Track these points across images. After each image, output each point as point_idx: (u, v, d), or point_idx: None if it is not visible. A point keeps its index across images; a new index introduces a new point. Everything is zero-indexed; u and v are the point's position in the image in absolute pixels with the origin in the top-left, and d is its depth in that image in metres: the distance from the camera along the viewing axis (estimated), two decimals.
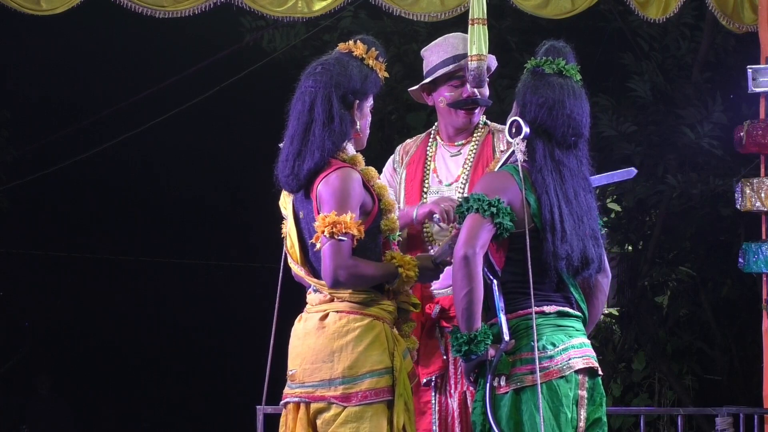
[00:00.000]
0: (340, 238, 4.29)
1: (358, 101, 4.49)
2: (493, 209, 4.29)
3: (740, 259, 7.48)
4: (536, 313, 4.32)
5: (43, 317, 14.66)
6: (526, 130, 4.37)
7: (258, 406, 6.14)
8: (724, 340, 10.73)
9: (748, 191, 7.42)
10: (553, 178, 4.35)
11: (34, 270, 14.37)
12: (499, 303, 4.33)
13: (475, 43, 4.94)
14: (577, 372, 4.32)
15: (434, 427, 4.92)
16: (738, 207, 7.50)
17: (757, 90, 7.40)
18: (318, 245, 4.35)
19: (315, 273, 4.46)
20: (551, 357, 4.29)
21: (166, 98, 11.80)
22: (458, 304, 4.31)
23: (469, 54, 4.97)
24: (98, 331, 14.67)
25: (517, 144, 4.37)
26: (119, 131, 12.14)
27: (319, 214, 4.37)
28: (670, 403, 10.74)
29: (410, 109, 10.03)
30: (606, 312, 11.72)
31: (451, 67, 5.03)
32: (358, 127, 4.51)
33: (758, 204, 7.41)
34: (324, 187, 4.38)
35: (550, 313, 4.35)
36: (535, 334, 4.29)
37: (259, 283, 10.72)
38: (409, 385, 4.46)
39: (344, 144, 4.46)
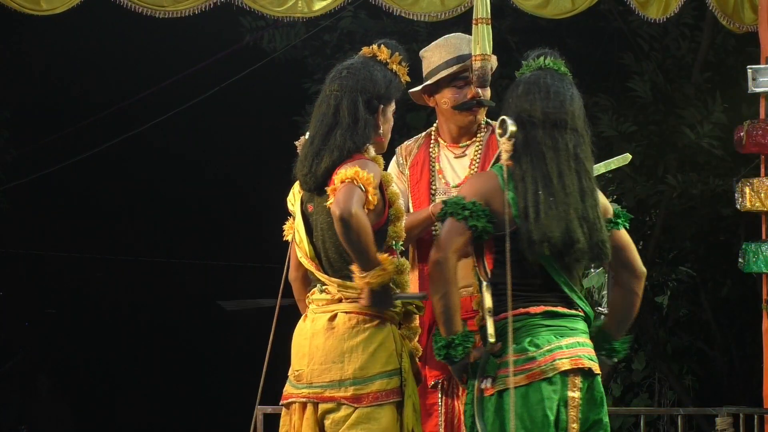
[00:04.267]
0: (359, 185, 4.29)
1: (382, 106, 4.52)
2: (467, 212, 4.26)
3: (740, 259, 7.47)
4: (521, 313, 4.28)
5: (43, 317, 14.67)
6: (512, 128, 4.34)
7: (257, 406, 6.14)
8: (724, 340, 10.73)
9: (748, 191, 7.41)
10: (531, 163, 4.27)
11: (34, 270, 14.37)
12: (488, 304, 4.30)
13: (480, 42, 4.93)
14: (566, 373, 4.26)
15: (440, 429, 4.91)
16: (738, 207, 7.50)
17: (757, 90, 7.39)
18: (331, 199, 4.30)
19: (324, 269, 4.46)
20: (533, 358, 4.24)
21: (165, 98, 11.81)
22: (434, 307, 4.30)
23: (473, 54, 4.95)
24: (98, 331, 14.67)
25: (504, 143, 4.36)
26: (119, 131, 12.15)
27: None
28: (670, 403, 10.74)
29: (410, 109, 10.02)
30: (606, 312, 11.72)
31: (454, 67, 5.00)
32: (381, 131, 4.53)
33: (758, 204, 7.41)
34: (342, 171, 4.35)
35: (536, 314, 4.29)
36: (511, 336, 4.24)
37: (259, 283, 10.72)
38: (416, 387, 4.47)
39: (366, 146, 4.47)
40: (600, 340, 4.47)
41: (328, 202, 4.34)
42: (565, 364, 4.25)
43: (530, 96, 4.33)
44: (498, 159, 4.47)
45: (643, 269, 4.51)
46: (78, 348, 14.69)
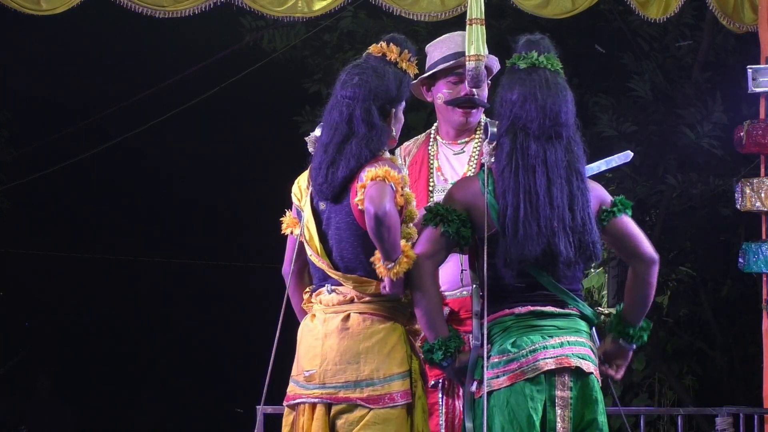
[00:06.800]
0: (390, 183, 4.30)
1: (394, 109, 4.52)
2: (438, 219, 4.30)
3: (740, 259, 7.49)
4: (507, 314, 4.30)
5: (43, 317, 14.66)
6: (492, 130, 4.35)
7: (258, 406, 6.14)
8: (724, 340, 10.73)
9: (748, 191, 7.42)
10: (516, 177, 4.27)
11: (34, 270, 14.36)
12: (476, 307, 4.32)
13: (473, 43, 4.93)
14: (552, 372, 4.26)
15: (441, 429, 4.91)
16: (738, 207, 7.51)
17: (757, 90, 7.40)
18: (360, 196, 4.31)
19: (335, 266, 4.45)
20: (514, 359, 4.26)
21: (166, 98, 11.81)
22: (416, 314, 4.37)
23: (466, 54, 4.96)
24: (98, 332, 14.67)
25: (487, 146, 4.37)
26: (119, 131, 12.15)
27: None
28: (670, 403, 10.74)
29: (410, 109, 9.97)
30: (606, 312, 11.73)
31: (450, 62, 5.01)
32: (393, 133, 4.54)
33: (758, 204, 7.42)
34: (372, 170, 4.36)
35: (521, 314, 4.30)
36: (485, 339, 4.27)
37: (259, 283, 10.72)
38: (423, 388, 4.49)
39: (381, 150, 4.48)
40: (617, 324, 4.46)
41: (357, 199, 4.33)
42: (549, 364, 4.26)
43: (526, 106, 4.32)
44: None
45: (653, 255, 4.44)
46: (78, 348, 14.68)
